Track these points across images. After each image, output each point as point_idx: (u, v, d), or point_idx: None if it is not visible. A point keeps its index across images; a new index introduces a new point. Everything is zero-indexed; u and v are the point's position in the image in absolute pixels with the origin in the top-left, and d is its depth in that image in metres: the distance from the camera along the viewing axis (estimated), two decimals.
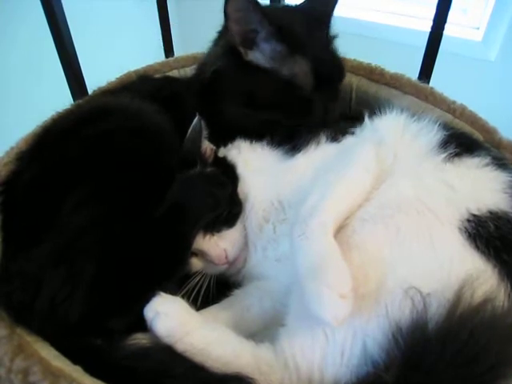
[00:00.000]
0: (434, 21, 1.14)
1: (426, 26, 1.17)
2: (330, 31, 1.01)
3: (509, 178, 0.74)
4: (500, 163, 0.77)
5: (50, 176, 0.73)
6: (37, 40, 1.53)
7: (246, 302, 0.84)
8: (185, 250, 0.77)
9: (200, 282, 0.84)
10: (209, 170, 0.86)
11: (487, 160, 0.76)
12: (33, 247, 0.68)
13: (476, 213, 0.68)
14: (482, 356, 0.54)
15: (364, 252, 0.68)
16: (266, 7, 1.06)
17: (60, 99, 1.01)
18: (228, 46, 0.94)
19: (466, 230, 0.67)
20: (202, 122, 0.86)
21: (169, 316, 0.68)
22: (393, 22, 2.35)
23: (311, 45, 0.94)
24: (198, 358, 0.66)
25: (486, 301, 0.58)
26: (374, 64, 1.11)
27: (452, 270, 0.63)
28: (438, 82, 1.17)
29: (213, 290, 0.85)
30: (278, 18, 0.92)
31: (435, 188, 0.72)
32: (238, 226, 0.87)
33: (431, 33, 1.16)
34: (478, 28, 2.20)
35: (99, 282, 0.68)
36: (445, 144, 0.79)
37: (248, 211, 0.87)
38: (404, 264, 0.65)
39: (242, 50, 0.91)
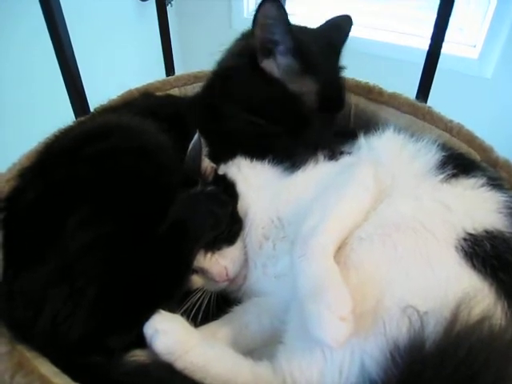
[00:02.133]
0: (432, 39, 1.16)
1: (424, 44, 1.19)
2: (340, 60, 1.05)
3: (503, 198, 0.75)
4: (495, 183, 0.78)
5: (53, 195, 0.73)
6: (40, 57, 1.55)
7: (244, 318, 0.84)
8: (186, 269, 0.78)
9: (200, 299, 0.84)
10: (209, 188, 0.87)
11: (483, 181, 0.77)
12: (35, 266, 0.68)
13: (472, 232, 0.69)
14: (480, 374, 0.54)
15: (361, 271, 0.68)
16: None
17: (62, 116, 1.02)
18: (246, 48, 0.98)
19: (463, 249, 0.67)
20: (202, 140, 0.87)
21: (168, 334, 0.68)
22: (391, 39, 2.38)
23: (323, 70, 0.98)
24: (197, 375, 0.67)
25: (484, 319, 0.58)
26: (372, 83, 1.13)
27: (449, 288, 0.63)
28: (435, 98, 1.19)
29: (213, 307, 0.86)
30: (299, 35, 0.95)
31: (432, 208, 0.73)
32: (238, 244, 0.87)
33: (429, 51, 1.17)
34: (475, 46, 2.23)
35: (100, 302, 0.68)
36: (443, 165, 0.80)
37: (248, 228, 0.88)
38: (401, 283, 0.66)
39: (259, 55, 0.95)
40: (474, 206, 0.73)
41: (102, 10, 2.21)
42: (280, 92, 0.96)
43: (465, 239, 0.68)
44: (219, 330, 0.82)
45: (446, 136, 0.98)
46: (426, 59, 1.19)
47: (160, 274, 0.73)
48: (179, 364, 0.67)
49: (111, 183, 0.74)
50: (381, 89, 1.11)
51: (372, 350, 0.61)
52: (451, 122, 1.01)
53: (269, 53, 0.95)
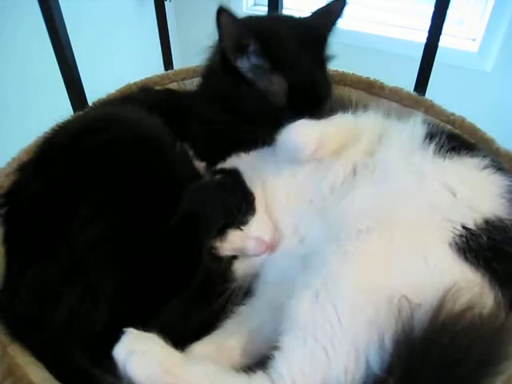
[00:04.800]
0: (430, 32, 1.15)
1: (422, 38, 1.18)
2: (325, 50, 1.00)
3: (507, 183, 0.74)
4: (498, 166, 0.77)
5: (58, 189, 0.73)
6: (38, 51, 1.54)
7: (255, 321, 0.79)
8: (199, 258, 0.76)
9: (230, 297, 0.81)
10: (218, 177, 0.87)
11: (487, 162, 0.76)
12: (44, 261, 0.68)
13: (470, 227, 0.69)
14: (463, 359, 0.55)
15: (358, 261, 0.67)
16: (264, 18, 1.07)
17: (60, 110, 1.02)
18: (218, 49, 0.97)
19: (456, 245, 0.67)
20: (185, 145, 0.90)
21: (147, 354, 0.61)
22: (389, 33, 2.37)
23: (296, 66, 0.94)
24: None
25: (469, 307, 0.59)
26: (373, 78, 1.13)
27: (440, 281, 0.63)
28: (435, 93, 1.18)
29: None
30: (268, 32, 0.93)
31: (437, 193, 0.73)
32: (260, 211, 0.86)
33: (427, 44, 1.17)
34: (475, 39, 2.22)
35: (118, 295, 0.68)
36: (444, 140, 0.79)
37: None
38: (396, 275, 0.65)
39: (230, 55, 0.93)
40: (479, 191, 0.72)
41: (101, 4, 2.20)
42: (250, 91, 0.94)
43: (461, 235, 0.68)
44: (228, 339, 0.77)
45: (449, 128, 0.98)
46: (423, 52, 1.18)
47: (174, 266, 0.73)
48: None
49: (117, 175, 0.74)
50: (382, 83, 1.11)
51: (375, 345, 0.61)
52: (453, 114, 1.01)
53: (242, 51, 0.94)
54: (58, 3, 1.13)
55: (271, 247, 0.85)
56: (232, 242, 0.82)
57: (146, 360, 0.60)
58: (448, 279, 0.63)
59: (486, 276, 0.65)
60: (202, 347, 0.75)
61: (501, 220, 0.69)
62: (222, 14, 0.87)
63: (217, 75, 0.98)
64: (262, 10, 2.52)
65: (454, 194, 0.72)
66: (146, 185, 0.74)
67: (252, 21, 1.00)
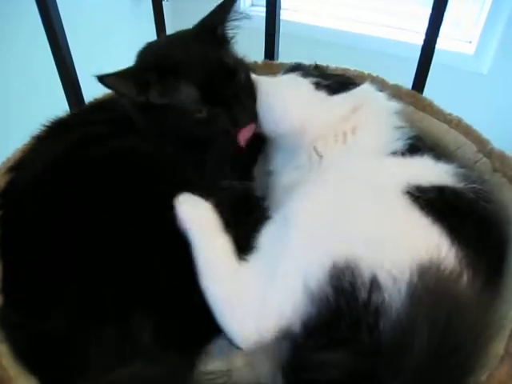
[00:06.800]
0: (427, 34, 1.15)
1: (419, 39, 1.18)
2: (221, 33, 0.98)
3: (464, 172, 0.77)
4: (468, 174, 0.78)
5: (64, 202, 0.70)
6: (34, 50, 1.54)
7: None
8: None
9: None
10: None
11: (457, 169, 0.77)
12: (64, 281, 0.65)
13: (421, 183, 0.70)
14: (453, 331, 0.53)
15: (312, 201, 0.71)
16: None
17: (57, 109, 1.01)
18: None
19: (412, 195, 0.68)
20: None
21: (200, 203, 0.74)
22: (386, 34, 2.39)
23: (193, 67, 0.90)
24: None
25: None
26: (375, 74, 1.15)
27: (398, 234, 0.63)
28: (431, 94, 1.18)
29: None
30: (157, 55, 0.96)
31: (392, 168, 0.78)
32: None
33: (424, 46, 1.17)
34: (471, 41, 2.24)
35: (159, 333, 0.64)
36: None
37: None
38: (347, 227, 0.66)
39: (141, 98, 0.90)
40: (433, 170, 0.76)
41: (98, 3, 2.20)
42: (170, 112, 0.90)
43: (416, 187, 0.69)
44: None
45: (445, 127, 1.01)
46: (420, 54, 1.18)
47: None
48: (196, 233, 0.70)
49: (128, 185, 0.73)
50: (383, 79, 1.13)
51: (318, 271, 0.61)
52: (450, 114, 1.03)
53: (146, 87, 0.90)
54: (55, 2, 1.13)
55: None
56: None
57: (198, 207, 0.73)
58: (406, 232, 0.64)
59: (444, 232, 0.64)
60: None
61: (451, 187, 0.72)
62: (105, 79, 0.90)
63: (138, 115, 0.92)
64: (260, 10, 2.52)
65: (402, 166, 0.79)
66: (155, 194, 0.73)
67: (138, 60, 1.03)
